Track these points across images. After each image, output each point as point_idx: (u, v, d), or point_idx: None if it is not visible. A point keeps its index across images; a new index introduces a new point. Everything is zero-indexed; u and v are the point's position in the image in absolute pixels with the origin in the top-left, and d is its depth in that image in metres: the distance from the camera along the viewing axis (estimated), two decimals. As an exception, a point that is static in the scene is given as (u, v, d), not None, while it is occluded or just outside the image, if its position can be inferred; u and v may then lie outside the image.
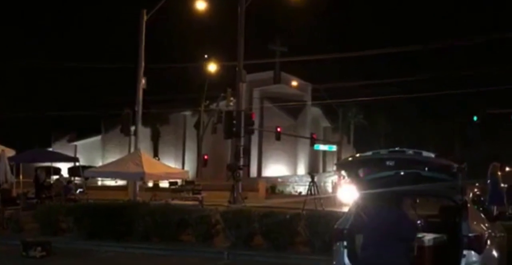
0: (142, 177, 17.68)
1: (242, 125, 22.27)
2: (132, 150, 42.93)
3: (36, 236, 12.12)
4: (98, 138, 48.91)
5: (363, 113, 45.31)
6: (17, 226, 13.24)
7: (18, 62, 39.42)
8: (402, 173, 6.23)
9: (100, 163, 41.60)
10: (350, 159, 6.72)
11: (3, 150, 17.06)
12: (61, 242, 11.57)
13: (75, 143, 47.48)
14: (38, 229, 13.03)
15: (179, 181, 23.80)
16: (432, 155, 6.06)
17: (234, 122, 22.11)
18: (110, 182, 38.93)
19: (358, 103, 40.40)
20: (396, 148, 6.30)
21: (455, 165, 5.98)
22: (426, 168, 6.13)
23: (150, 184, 27.26)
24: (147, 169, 17.41)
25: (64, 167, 36.43)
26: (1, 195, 15.17)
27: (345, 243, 6.25)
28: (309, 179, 35.07)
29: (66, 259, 10.41)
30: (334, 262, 6.35)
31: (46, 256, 10.41)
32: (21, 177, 19.78)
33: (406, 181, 6.07)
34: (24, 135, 38.53)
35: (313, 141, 40.09)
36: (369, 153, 6.34)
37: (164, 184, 27.94)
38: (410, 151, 6.15)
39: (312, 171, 41.56)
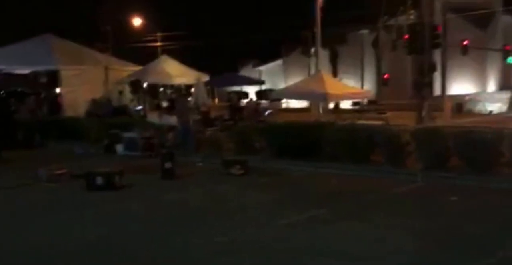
0: (325, 97, 17.76)
1: (427, 38, 20.77)
2: (312, 72, 43.40)
3: (233, 155, 13.06)
4: (279, 62, 50.09)
5: None
6: (217, 146, 14.32)
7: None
8: None
9: (282, 86, 42.92)
10: None
11: (199, 76, 18.41)
12: (255, 160, 12.14)
13: (259, 68, 49.49)
14: (234, 149, 13.99)
15: (362, 102, 23.39)
16: None
17: (417, 36, 20.68)
18: (292, 105, 40.16)
19: None
20: None
21: None
22: None
23: (331, 106, 27.41)
24: (329, 89, 17.41)
25: (251, 91, 38.46)
26: (202, 117, 16.49)
27: None
28: (502, 96, 31.83)
29: (261, 176, 10.97)
30: None
31: (244, 174, 11.10)
32: (216, 100, 21.30)
33: None
34: (212, 62, 41.08)
35: (505, 54, 35.80)
36: None
37: (344, 105, 27.84)
38: None
39: (506, 87, 37.53)
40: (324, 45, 31.12)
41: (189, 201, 8.66)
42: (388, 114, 19.70)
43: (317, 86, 17.41)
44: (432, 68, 24.19)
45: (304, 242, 6.37)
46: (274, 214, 7.68)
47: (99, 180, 9.51)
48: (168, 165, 10.76)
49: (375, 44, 40.74)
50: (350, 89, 20.16)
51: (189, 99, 19.18)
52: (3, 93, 19.85)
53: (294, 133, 12.72)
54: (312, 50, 21.78)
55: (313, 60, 40.35)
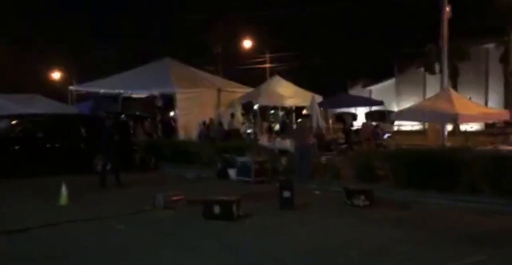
0: (454, 118, 16.05)
1: None
2: (427, 91, 40.79)
3: (352, 183, 11.94)
4: (391, 81, 47.88)
5: None
6: (335, 172, 13.29)
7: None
8: None
9: (395, 107, 40.81)
10: None
11: (313, 96, 17.53)
12: (379, 190, 10.93)
13: (369, 88, 47.69)
14: (353, 176, 12.86)
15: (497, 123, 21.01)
16: None
17: None
18: (405, 127, 37.95)
19: None
20: None
21: None
22: None
23: (449, 128, 25.20)
24: (460, 109, 15.70)
25: (359, 112, 36.86)
26: (317, 141, 15.54)
27: None
28: None
29: (388, 210, 9.72)
30: None
31: (369, 206, 9.95)
32: (330, 122, 20.25)
33: None
34: (320, 82, 40.21)
35: None
36: None
37: (463, 126, 25.41)
38: None
39: None
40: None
41: (315, 238, 7.65)
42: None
43: (445, 105, 15.73)
44: None
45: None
46: (422, 260, 6.45)
47: (217, 209, 8.91)
48: (286, 194, 9.90)
49: (504, 59, 37.23)
50: (482, 109, 18.13)
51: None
52: (123, 117, 20.47)
53: (424, 159, 11.36)
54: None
55: (430, 79, 37.97)
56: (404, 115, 18.43)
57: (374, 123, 21.98)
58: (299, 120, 17.15)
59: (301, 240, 7.57)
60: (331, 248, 7.01)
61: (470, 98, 22.72)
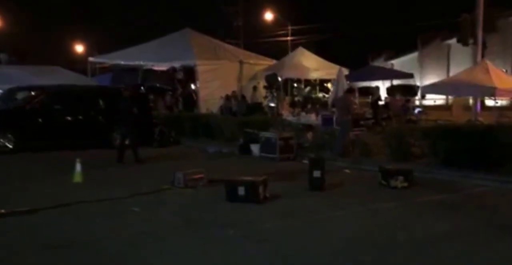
0: (492, 92, 15.07)
1: None
2: (451, 65, 39.41)
3: (384, 161, 11.13)
4: (414, 55, 46.32)
5: None
6: (365, 150, 12.47)
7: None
8: None
9: (417, 81, 39.54)
10: None
11: (340, 69, 16.63)
12: (416, 170, 10.00)
13: (391, 61, 46.26)
14: (386, 153, 12.03)
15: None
16: None
17: None
18: (428, 102, 36.73)
19: None
20: None
21: None
22: None
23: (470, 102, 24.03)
24: (498, 83, 14.74)
25: (381, 86, 35.51)
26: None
27: None
28: None
29: (430, 192, 8.85)
30: None
31: (408, 187, 9.13)
32: (356, 95, 19.33)
33: None
34: (341, 55, 39.02)
35: None
36: None
37: (488, 102, 24.28)
38: None
39: None
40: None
41: (353, 225, 6.87)
42: None
43: (483, 79, 14.74)
44: None
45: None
46: (482, 256, 5.64)
47: (241, 191, 8.15)
48: (317, 173, 9.10)
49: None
50: (519, 82, 16.99)
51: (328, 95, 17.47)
52: (143, 89, 19.85)
53: (465, 136, 10.44)
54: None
55: (454, 52, 36.51)
56: (437, 88, 17.37)
57: (410, 98, 20.88)
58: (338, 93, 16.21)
59: (337, 226, 6.81)
60: (371, 241, 6.17)
61: (506, 71, 21.43)
